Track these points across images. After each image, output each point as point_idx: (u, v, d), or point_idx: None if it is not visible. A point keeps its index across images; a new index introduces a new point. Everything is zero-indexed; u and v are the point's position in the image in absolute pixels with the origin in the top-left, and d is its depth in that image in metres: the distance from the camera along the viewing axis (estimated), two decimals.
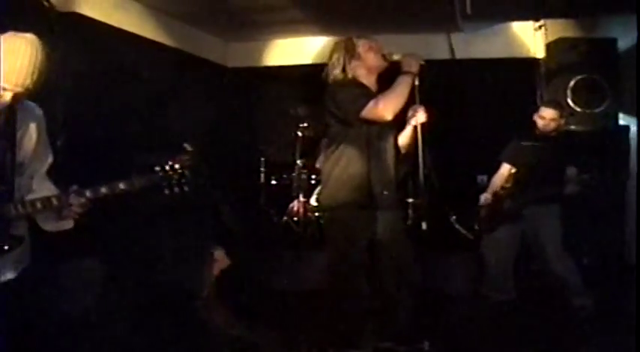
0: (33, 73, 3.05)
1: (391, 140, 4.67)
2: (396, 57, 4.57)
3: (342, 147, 4.52)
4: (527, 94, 7.53)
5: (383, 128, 4.51)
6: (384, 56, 4.59)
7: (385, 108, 4.32)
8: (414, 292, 4.76)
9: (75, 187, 3.32)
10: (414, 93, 4.48)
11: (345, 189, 4.48)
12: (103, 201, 3.38)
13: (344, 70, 4.57)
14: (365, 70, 4.60)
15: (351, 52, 4.58)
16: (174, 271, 6.31)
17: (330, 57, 4.67)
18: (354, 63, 4.58)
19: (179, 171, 3.44)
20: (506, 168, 6.26)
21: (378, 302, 4.64)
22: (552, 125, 5.99)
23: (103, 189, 3.35)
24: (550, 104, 6.16)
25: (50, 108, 3.51)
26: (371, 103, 4.33)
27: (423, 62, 4.51)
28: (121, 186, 3.37)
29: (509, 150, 6.29)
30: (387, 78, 4.58)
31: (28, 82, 3.04)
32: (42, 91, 3.20)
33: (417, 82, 4.48)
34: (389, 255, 4.59)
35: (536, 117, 6.07)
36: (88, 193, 3.31)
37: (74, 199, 3.29)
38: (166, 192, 3.46)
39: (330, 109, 4.51)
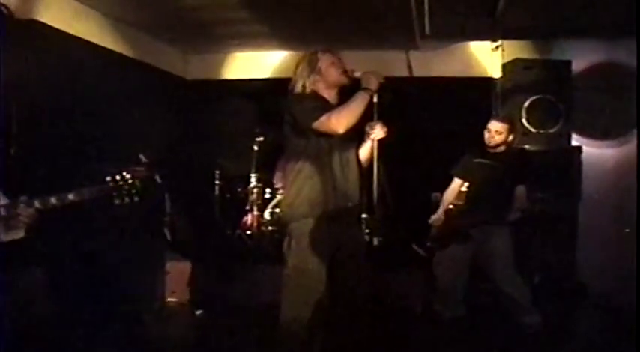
0: None
1: (354, 153, 4.66)
2: (357, 74, 4.55)
3: (302, 159, 4.47)
4: (484, 113, 7.59)
5: (344, 140, 4.48)
6: (346, 73, 4.61)
7: (337, 121, 4.30)
8: (368, 307, 4.78)
9: (24, 198, 3.30)
10: (372, 109, 4.50)
11: (306, 203, 4.43)
12: (52, 212, 3.36)
13: (304, 83, 4.59)
14: (325, 84, 4.57)
15: (312, 66, 4.56)
16: (127, 283, 6.28)
17: (295, 70, 4.69)
18: (313, 77, 4.55)
19: (129, 181, 3.44)
20: (457, 183, 6.31)
21: (333, 316, 4.63)
22: (497, 138, 6.04)
23: (53, 200, 3.32)
24: (497, 117, 6.23)
25: (5, 116, 3.49)
26: (324, 117, 4.31)
27: (382, 80, 4.54)
28: (71, 197, 3.35)
29: (461, 165, 6.34)
30: (351, 93, 4.60)
31: None
32: None
33: (375, 99, 4.48)
34: (350, 268, 4.57)
35: (484, 132, 6.13)
36: (36, 203, 3.29)
37: (23, 210, 3.26)
38: (117, 202, 3.45)
39: (287, 121, 4.52)
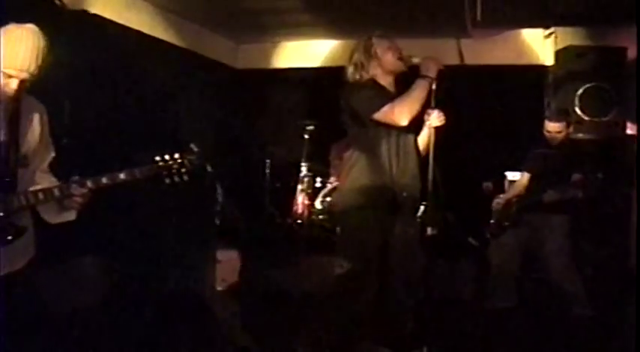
0: (37, 57, 3.12)
1: (412, 141, 4.61)
2: (415, 60, 4.50)
3: (359, 148, 4.49)
4: (535, 101, 7.51)
5: (403, 129, 4.43)
6: (402, 59, 4.56)
7: (400, 113, 4.27)
8: (419, 298, 4.76)
9: (76, 177, 3.33)
10: (430, 97, 4.43)
11: (363, 192, 4.42)
12: (104, 191, 3.39)
13: (361, 70, 4.53)
14: (382, 71, 4.53)
15: (369, 53, 4.53)
16: (178, 271, 6.32)
17: (350, 57, 4.63)
18: (371, 63, 4.53)
19: (179, 160, 3.46)
20: (526, 177, 6.27)
21: (386, 307, 4.62)
22: (559, 136, 6.00)
23: (104, 179, 3.36)
24: (552, 117, 6.11)
25: (57, 105, 3.53)
26: (386, 107, 4.29)
27: (442, 67, 4.45)
28: (122, 176, 3.38)
29: (530, 159, 6.32)
30: (407, 80, 4.54)
31: (33, 67, 3.11)
32: (51, 87, 3.23)
33: (434, 87, 4.40)
34: (402, 258, 4.55)
35: (544, 132, 6.07)
36: (89, 183, 3.32)
37: (75, 189, 3.29)
38: (167, 181, 3.47)
39: (345, 110, 4.49)
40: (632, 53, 7.45)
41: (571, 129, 6.09)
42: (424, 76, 4.38)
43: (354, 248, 4.47)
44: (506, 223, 6.14)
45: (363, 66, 4.54)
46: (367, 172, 4.44)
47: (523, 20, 7.96)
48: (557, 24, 7.90)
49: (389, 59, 4.53)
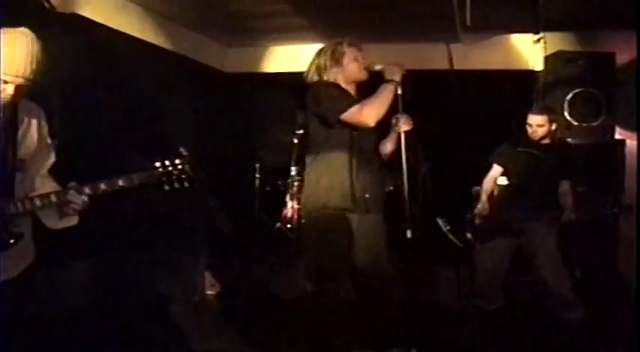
0: (31, 62, 3.10)
1: (374, 144, 4.69)
2: (377, 67, 4.58)
3: (323, 149, 4.51)
4: (525, 106, 7.52)
5: (366, 132, 4.49)
6: (365, 68, 4.61)
7: (369, 114, 4.33)
8: (394, 300, 4.75)
9: (73, 183, 3.32)
10: (396, 101, 4.49)
11: (326, 192, 4.45)
12: (102, 198, 3.38)
13: (323, 73, 4.58)
14: (344, 77, 4.60)
15: (336, 59, 4.59)
16: (168, 274, 6.31)
17: (315, 57, 4.68)
18: (335, 69, 4.58)
19: (179, 166, 3.45)
20: (496, 171, 6.26)
21: (358, 308, 4.63)
22: (541, 131, 6.00)
23: (102, 186, 3.34)
24: (535, 111, 6.13)
25: (48, 108, 3.51)
26: (355, 108, 4.33)
27: (405, 71, 4.53)
28: (120, 182, 3.36)
29: (501, 152, 6.29)
30: (367, 86, 4.62)
31: (28, 72, 3.09)
32: (40, 91, 3.22)
33: (399, 91, 4.49)
34: (367, 260, 4.56)
35: (526, 127, 6.08)
36: (87, 190, 3.31)
37: (73, 196, 3.28)
38: (166, 187, 3.46)
39: (311, 110, 4.51)
40: (620, 58, 7.49)
41: (554, 126, 6.08)
42: (389, 80, 4.48)
43: (318, 248, 4.50)
44: (494, 228, 6.13)
45: (325, 69, 4.58)
46: (329, 173, 4.47)
47: (513, 25, 7.98)
48: (546, 29, 7.92)
49: (352, 68, 4.61)
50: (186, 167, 3.46)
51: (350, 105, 4.35)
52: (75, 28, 5.89)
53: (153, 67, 7.11)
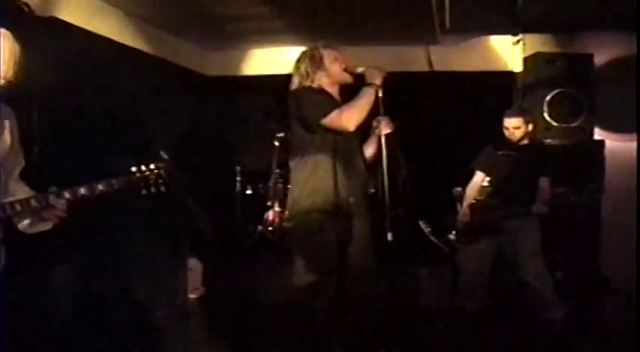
0: (12, 64, 3.09)
1: (357, 147, 4.69)
2: (359, 69, 4.58)
3: (307, 153, 4.49)
4: (505, 107, 7.56)
5: (349, 135, 4.48)
6: (346, 69, 4.62)
7: (349, 119, 4.33)
8: (378, 304, 4.76)
9: (53, 188, 3.31)
10: (377, 104, 4.50)
11: (311, 196, 4.44)
12: (81, 203, 3.37)
13: (308, 79, 4.56)
14: (329, 80, 4.59)
15: (316, 62, 4.59)
16: (149, 279, 6.30)
17: (296, 66, 4.67)
18: (319, 73, 4.57)
19: (155, 171, 3.45)
20: (479, 177, 6.27)
21: (344, 312, 4.63)
22: (518, 133, 6.01)
23: (82, 190, 3.34)
24: (510, 113, 6.14)
25: (26, 112, 3.51)
26: (334, 113, 4.33)
27: (386, 74, 4.54)
28: (100, 187, 3.36)
29: (483, 158, 6.30)
30: (351, 90, 4.59)
31: (10, 73, 3.10)
32: (19, 94, 3.21)
33: (380, 94, 4.49)
34: (353, 263, 4.56)
35: (503, 130, 6.10)
36: (66, 194, 3.30)
37: (54, 200, 3.27)
38: (144, 192, 3.47)
39: (293, 115, 4.51)
40: (598, 59, 7.55)
41: (530, 127, 6.10)
42: (370, 84, 4.48)
43: (304, 252, 4.49)
44: (476, 229, 6.14)
45: (309, 75, 4.57)
46: (313, 177, 4.46)
47: (492, 27, 8.02)
48: (525, 31, 7.96)
49: (336, 69, 4.60)
50: (162, 171, 3.47)
51: (331, 110, 4.34)
52: (53, 32, 5.85)
53: (133, 70, 7.07)
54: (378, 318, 4.67)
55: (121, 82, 6.73)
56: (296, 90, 4.60)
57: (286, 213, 6.68)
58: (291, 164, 4.67)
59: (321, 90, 4.56)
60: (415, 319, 6.30)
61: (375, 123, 4.63)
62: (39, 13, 5.68)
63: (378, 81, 4.47)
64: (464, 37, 8.30)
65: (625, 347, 5.48)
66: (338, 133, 4.41)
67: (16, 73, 3.11)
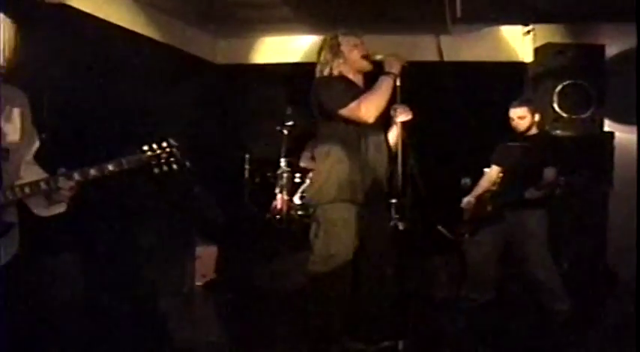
0: (8, 48, 3.09)
1: (383, 137, 4.69)
2: (378, 57, 4.57)
3: (331, 142, 4.50)
4: (515, 98, 7.55)
5: (374, 124, 4.49)
6: (366, 56, 4.60)
7: (367, 110, 4.33)
8: (394, 293, 4.77)
9: (63, 170, 3.30)
10: (395, 93, 4.50)
11: (336, 186, 4.44)
12: (92, 184, 3.36)
13: (328, 67, 4.57)
14: (349, 67, 4.59)
15: (335, 50, 4.58)
16: (156, 266, 6.31)
17: (318, 55, 4.68)
18: (337, 61, 4.56)
19: (167, 149, 3.43)
20: (494, 170, 6.27)
21: (359, 301, 4.63)
22: (523, 123, 6.00)
23: (92, 171, 3.31)
24: (514, 104, 6.13)
25: (37, 98, 3.49)
26: (353, 104, 4.33)
27: (405, 63, 4.52)
28: (110, 167, 3.33)
29: (498, 152, 6.31)
30: (374, 76, 4.59)
31: (4, 57, 3.07)
32: (29, 81, 3.21)
33: (398, 83, 4.49)
34: (373, 252, 4.58)
35: (509, 121, 6.09)
36: (76, 176, 3.28)
37: (63, 182, 3.26)
38: (156, 171, 3.44)
39: (314, 104, 4.52)
40: (609, 51, 7.51)
41: (537, 117, 6.09)
42: (388, 73, 4.47)
43: (331, 243, 4.48)
44: (483, 220, 6.14)
45: (328, 63, 4.59)
46: (339, 166, 4.47)
47: (502, 17, 7.98)
48: (536, 21, 7.93)
49: (354, 57, 4.59)
50: (174, 150, 3.45)
51: (350, 100, 4.35)
52: (64, 19, 5.85)
53: (143, 58, 7.08)
54: (386, 306, 4.68)
55: (131, 69, 6.74)
56: (317, 80, 4.61)
57: (299, 199, 6.68)
58: (316, 153, 4.68)
59: (342, 79, 4.57)
60: (423, 309, 6.28)
61: (392, 111, 4.60)
62: (49, 0, 5.68)
63: (396, 70, 4.46)
64: (475, 27, 8.26)
65: (628, 341, 5.47)
66: (361, 123, 4.42)
67: (13, 57, 3.09)
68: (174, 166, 3.47)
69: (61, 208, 3.41)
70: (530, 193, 5.80)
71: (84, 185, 3.34)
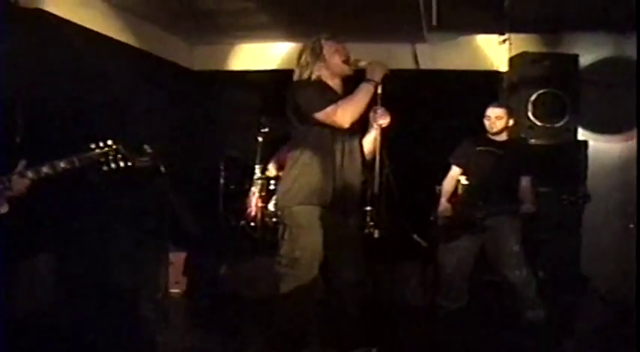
0: None
1: (357, 142, 4.65)
2: (361, 64, 4.55)
3: (303, 146, 4.47)
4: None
5: (348, 130, 4.45)
6: (349, 62, 4.59)
7: (343, 114, 4.30)
8: (364, 300, 4.76)
9: (23, 162, 3.31)
10: (375, 100, 4.47)
11: (305, 189, 4.41)
12: (45, 182, 3.37)
13: (307, 70, 4.55)
14: (329, 72, 4.56)
15: (316, 54, 4.55)
16: (130, 271, 6.28)
17: (299, 58, 4.65)
18: (318, 64, 4.53)
19: (113, 146, 3.45)
20: (455, 172, 6.27)
21: (330, 308, 4.63)
22: (499, 124, 6.04)
23: (45, 169, 3.34)
24: (494, 104, 6.18)
25: (10, 103, 3.49)
26: (329, 108, 4.30)
27: (388, 71, 4.52)
28: (62, 164, 3.36)
29: (460, 152, 6.31)
30: (355, 82, 4.57)
31: None
32: (2, 82, 3.20)
33: (380, 90, 4.46)
34: (344, 259, 4.57)
35: (484, 121, 6.11)
36: (29, 174, 3.30)
37: (16, 180, 3.26)
38: (105, 168, 3.47)
39: (290, 106, 4.49)
40: (584, 60, 7.57)
41: (511, 122, 6.13)
42: (369, 80, 4.44)
43: (297, 246, 4.46)
44: (457, 226, 6.14)
45: (308, 66, 4.55)
46: (310, 170, 4.44)
47: (478, 26, 8.03)
48: (511, 30, 7.97)
49: (335, 61, 4.56)
50: (119, 146, 3.47)
51: (327, 104, 4.32)
52: (39, 24, 5.83)
53: (118, 63, 7.05)
54: (357, 314, 4.66)
55: (106, 75, 6.71)
56: (294, 82, 4.58)
57: (273, 205, 6.65)
58: (288, 156, 4.66)
59: (320, 83, 4.53)
60: (395, 316, 6.29)
61: (371, 114, 4.56)
62: (24, 4, 5.66)
63: (378, 77, 4.43)
64: (450, 35, 8.29)
65: (603, 348, 5.51)
66: (335, 128, 4.41)
67: None
68: (121, 163, 3.49)
69: (3, 209, 3.40)
70: (527, 208, 5.84)
71: (38, 183, 3.35)
